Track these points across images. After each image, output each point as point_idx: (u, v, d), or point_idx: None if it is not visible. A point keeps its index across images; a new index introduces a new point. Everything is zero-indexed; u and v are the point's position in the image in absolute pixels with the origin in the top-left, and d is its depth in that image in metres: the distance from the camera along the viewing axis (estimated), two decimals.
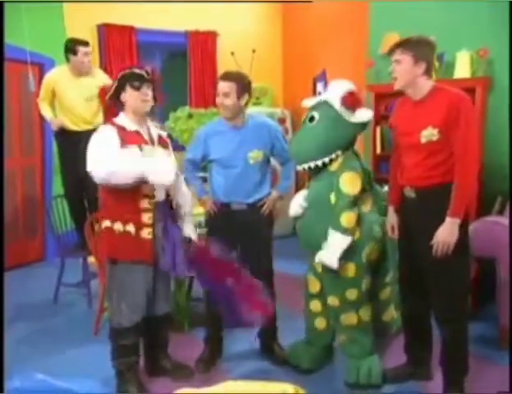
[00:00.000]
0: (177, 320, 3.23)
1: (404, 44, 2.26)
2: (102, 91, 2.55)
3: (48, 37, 4.84)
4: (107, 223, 2.45)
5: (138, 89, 2.41)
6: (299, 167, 2.60)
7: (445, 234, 2.20)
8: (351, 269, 2.48)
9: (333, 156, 2.49)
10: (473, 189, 2.24)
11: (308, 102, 2.60)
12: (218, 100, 2.65)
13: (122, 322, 2.46)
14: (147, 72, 2.45)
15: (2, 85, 4.15)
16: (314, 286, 2.70)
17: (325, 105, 2.50)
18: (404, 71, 2.25)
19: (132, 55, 5.36)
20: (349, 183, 2.44)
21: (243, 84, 2.62)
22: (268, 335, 2.92)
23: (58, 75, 4.01)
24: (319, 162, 2.49)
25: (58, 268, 3.89)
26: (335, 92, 2.49)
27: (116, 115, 2.49)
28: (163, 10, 5.43)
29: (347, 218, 2.41)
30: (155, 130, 2.59)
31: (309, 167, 2.52)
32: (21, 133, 4.82)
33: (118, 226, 2.40)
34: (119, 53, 5.29)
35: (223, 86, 2.60)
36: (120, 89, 2.42)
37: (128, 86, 2.41)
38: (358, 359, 2.58)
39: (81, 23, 5.11)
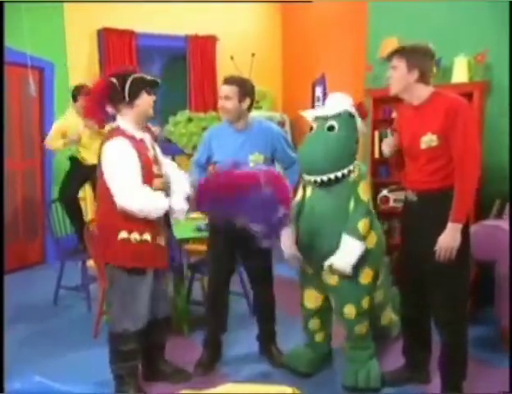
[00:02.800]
0: (176, 323, 3.23)
1: (399, 51, 2.29)
2: (91, 93, 2.47)
3: (48, 41, 4.87)
4: (123, 234, 2.37)
5: (150, 94, 2.43)
6: (313, 178, 2.50)
7: (448, 239, 2.21)
8: (369, 275, 2.49)
9: (352, 166, 2.49)
10: (473, 193, 2.24)
11: (328, 110, 2.51)
12: (220, 103, 2.68)
13: (127, 327, 2.44)
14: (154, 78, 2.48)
15: (2, 87, 4.17)
16: (315, 300, 2.68)
17: (344, 115, 2.47)
18: (397, 78, 2.29)
19: (132, 59, 5.38)
20: (366, 191, 2.47)
21: (245, 89, 2.65)
22: (267, 338, 2.93)
23: (68, 120, 4.20)
24: (344, 172, 2.46)
25: (58, 271, 3.90)
26: (346, 102, 2.50)
27: (103, 119, 2.47)
28: (163, 14, 5.46)
29: (364, 225, 2.41)
30: (146, 135, 2.55)
31: (329, 178, 2.45)
32: (21, 136, 4.84)
33: (135, 236, 2.37)
34: (119, 57, 5.31)
35: (225, 89, 2.64)
36: (135, 92, 2.37)
37: (144, 91, 2.39)
38: (357, 363, 2.58)
39: (81, 27, 5.15)
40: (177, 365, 2.78)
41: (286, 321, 3.17)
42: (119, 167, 2.29)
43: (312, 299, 2.70)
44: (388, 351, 2.92)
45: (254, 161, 2.69)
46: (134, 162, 2.30)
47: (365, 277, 2.50)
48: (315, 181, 2.50)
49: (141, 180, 2.32)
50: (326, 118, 2.50)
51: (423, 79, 2.27)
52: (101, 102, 2.40)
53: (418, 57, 2.25)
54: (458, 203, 2.19)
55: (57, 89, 5.03)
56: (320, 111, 2.59)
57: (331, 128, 2.48)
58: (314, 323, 2.72)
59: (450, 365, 2.40)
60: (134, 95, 2.37)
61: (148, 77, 2.44)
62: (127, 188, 2.28)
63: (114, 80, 2.37)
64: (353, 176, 2.49)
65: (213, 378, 2.70)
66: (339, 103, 2.51)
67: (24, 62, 4.35)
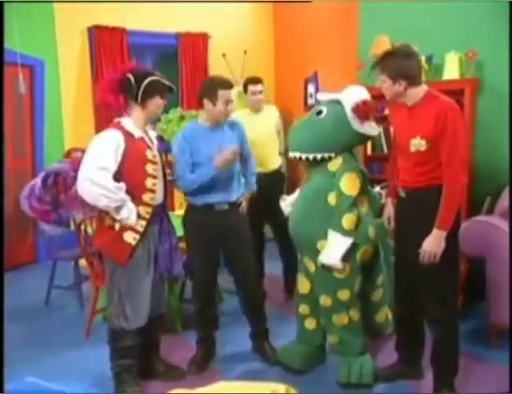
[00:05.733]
0: (170, 322, 3.23)
1: (379, 64, 2.27)
2: (105, 86, 2.48)
3: (38, 39, 4.83)
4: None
5: (163, 98, 2.47)
6: (291, 154, 2.60)
7: (431, 245, 2.23)
8: (345, 270, 2.50)
9: (326, 155, 2.49)
10: (459, 200, 2.24)
11: (323, 96, 2.64)
12: (229, 108, 2.67)
13: (126, 325, 2.44)
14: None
15: (1, 86, 4.13)
16: (305, 286, 2.71)
17: (336, 104, 2.50)
18: (386, 89, 2.29)
19: (123, 57, 5.35)
20: (351, 184, 2.45)
21: None
22: (260, 335, 2.94)
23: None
24: (310, 156, 2.49)
25: (50, 270, 3.88)
26: (350, 96, 2.48)
27: (117, 110, 2.47)
28: (154, 11, 5.43)
29: (348, 220, 2.42)
30: (152, 133, 2.61)
31: (300, 158, 2.53)
32: (12, 135, 4.80)
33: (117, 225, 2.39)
34: (110, 55, 5.28)
35: (234, 93, 2.69)
36: (149, 95, 2.40)
37: (158, 95, 2.43)
38: (349, 358, 2.59)
39: (72, 25, 5.10)
40: (171, 363, 2.78)
41: (279, 318, 3.18)
42: (95, 147, 2.34)
43: (302, 284, 2.73)
44: (382, 348, 2.94)
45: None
46: (111, 150, 2.32)
47: (340, 271, 2.49)
48: (295, 158, 2.57)
49: (115, 168, 2.32)
50: (320, 103, 2.59)
51: (413, 82, 2.23)
52: (113, 90, 2.44)
53: (400, 66, 2.19)
54: (444, 211, 2.20)
55: (48, 86, 4.99)
56: (319, 95, 2.68)
57: (319, 112, 2.56)
58: (304, 308, 2.74)
59: (441, 361, 2.42)
60: (147, 97, 2.41)
61: (166, 82, 2.48)
62: (89, 164, 2.29)
63: (131, 76, 2.41)
64: (333, 165, 2.49)
65: (206, 376, 2.70)
66: (343, 94, 2.51)
67: (14, 61, 4.31)
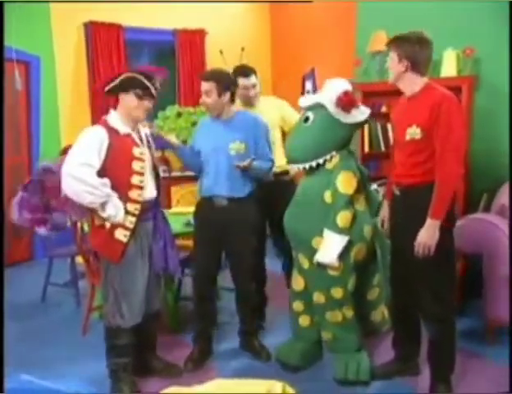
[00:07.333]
0: (166, 319, 3.22)
1: (392, 41, 2.32)
2: (99, 85, 2.54)
3: (34, 35, 4.81)
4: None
5: (141, 98, 2.40)
6: (295, 167, 2.62)
7: (425, 236, 2.21)
8: (339, 268, 2.49)
9: (327, 157, 2.49)
10: (453, 190, 2.23)
11: (304, 101, 2.60)
12: (201, 98, 2.74)
13: (122, 323, 2.43)
14: (154, 85, 2.42)
15: (2, 83, 4.11)
16: (298, 283, 2.71)
17: (319, 106, 2.50)
18: (392, 68, 2.32)
19: (120, 53, 5.33)
20: (346, 182, 2.45)
21: (223, 83, 2.66)
22: (248, 333, 2.93)
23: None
24: (313, 164, 2.50)
25: (46, 267, 3.86)
26: (330, 93, 2.47)
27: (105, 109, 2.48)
28: (151, 8, 5.41)
29: (343, 218, 2.42)
30: (143, 130, 2.59)
31: (304, 168, 2.54)
32: (8, 132, 4.77)
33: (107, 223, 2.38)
34: (106, 51, 5.26)
35: (204, 85, 2.69)
36: (121, 89, 2.40)
37: (132, 92, 2.39)
38: (346, 355, 2.59)
39: (68, 21, 5.08)
40: (168, 360, 2.77)
41: (276, 315, 3.17)
42: (78, 144, 2.34)
43: (296, 281, 2.73)
44: (378, 346, 2.93)
45: (236, 149, 2.69)
46: (94, 146, 2.30)
47: (333, 268, 2.48)
48: (299, 169, 2.58)
49: (99, 165, 2.31)
50: (306, 109, 2.57)
51: (416, 69, 2.26)
52: (103, 91, 2.47)
53: (409, 47, 2.24)
54: (437, 200, 2.19)
55: (44, 82, 4.97)
56: (301, 101, 2.62)
57: (306, 119, 2.55)
58: (297, 305, 2.74)
59: (438, 358, 2.41)
60: (119, 91, 2.41)
61: (142, 80, 2.39)
62: (71, 161, 2.28)
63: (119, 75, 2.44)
64: (329, 164, 2.50)
65: (203, 373, 2.69)
66: (323, 92, 2.52)
67: (9, 57, 4.28)
